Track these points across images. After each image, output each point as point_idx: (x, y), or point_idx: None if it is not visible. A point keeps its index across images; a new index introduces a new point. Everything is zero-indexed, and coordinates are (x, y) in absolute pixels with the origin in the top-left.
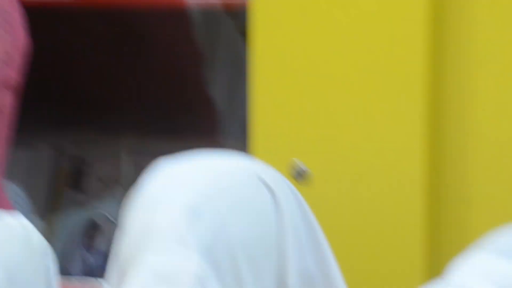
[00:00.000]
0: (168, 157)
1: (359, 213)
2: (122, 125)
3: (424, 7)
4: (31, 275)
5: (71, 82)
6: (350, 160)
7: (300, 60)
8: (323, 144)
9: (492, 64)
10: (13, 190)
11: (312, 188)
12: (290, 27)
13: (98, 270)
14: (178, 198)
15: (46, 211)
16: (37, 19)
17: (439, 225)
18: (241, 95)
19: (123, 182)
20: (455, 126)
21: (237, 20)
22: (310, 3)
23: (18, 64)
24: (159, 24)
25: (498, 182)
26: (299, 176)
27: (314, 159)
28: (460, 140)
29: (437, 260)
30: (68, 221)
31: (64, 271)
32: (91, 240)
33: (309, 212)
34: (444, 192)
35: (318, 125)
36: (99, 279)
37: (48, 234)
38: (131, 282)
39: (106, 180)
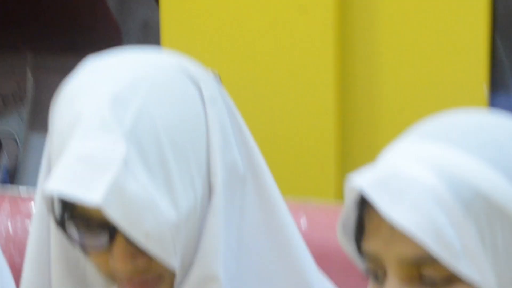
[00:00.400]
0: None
1: (276, 121)
2: (23, 42)
3: None
4: None
5: None
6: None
7: None
8: (238, 53)
9: None
10: None
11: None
12: None
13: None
14: (103, 88)
15: None
16: None
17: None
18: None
19: (26, 99)
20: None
21: None
22: None
23: None
24: None
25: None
26: None
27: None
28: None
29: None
30: None
31: None
32: None
33: (235, 109)
34: (354, 98)
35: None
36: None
37: None
38: (55, 170)
39: (9, 97)
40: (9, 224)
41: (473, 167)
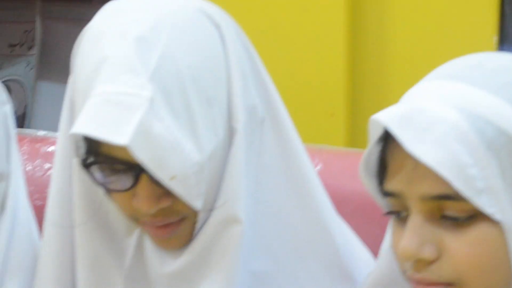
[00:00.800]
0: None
1: (287, 72)
2: None
3: None
4: None
5: None
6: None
7: None
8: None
9: None
10: None
11: None
12: None
13: None
14: (126, 30)
15: None
16: None
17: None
18: None
19: (35, 47)
20: None
21: None
22: None
23: None
24: None
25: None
26: None
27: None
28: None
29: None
30: None
31: None
32: None
33: (254, 52)
34: (364, 48)
35: None
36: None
37: None
38: (82, 112)
39: (17, 45)
40: (28, 165)
41: (496, 106)
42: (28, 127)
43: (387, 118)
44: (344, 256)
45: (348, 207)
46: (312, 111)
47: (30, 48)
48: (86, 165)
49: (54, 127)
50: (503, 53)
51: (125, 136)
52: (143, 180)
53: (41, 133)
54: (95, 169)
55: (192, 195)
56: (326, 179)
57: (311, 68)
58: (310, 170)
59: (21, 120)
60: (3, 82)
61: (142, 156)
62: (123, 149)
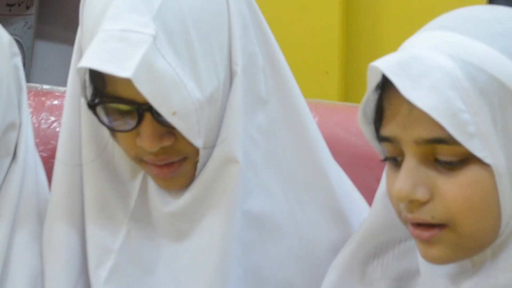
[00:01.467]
0: None
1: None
2: None
3: None
4: (4, 72)
5: None
6: None
7: None
8: None
9: None
10: None
11: None
12: None
13: None
14: None
15: None
16: None
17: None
18: None
19: (33, 7)
20: None
21: None
22: None
23: None
24: None
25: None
26: None
27: None
28: None
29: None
30: None
31: None
32: None
33: (255, 4)
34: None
35: None
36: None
37: None
38: (89, 48)
39: (15, 5)
40: (34, 118)
41: (488, 55)
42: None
43: (384, 65)
44: (340, 200)
45: (342, 158)
46: (308, 69)
47: (28, 7)
48: (92, 106)
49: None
50: (495, 6)
51: (129, 69)
52: (147, 119)
53: (46, 86)
54: (101, 110)
55: (193, 132)
56: (322, 131)
57: (307, 28)
58: (309, 117)
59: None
60: None
61: (145, 90)
62: (127, 89)
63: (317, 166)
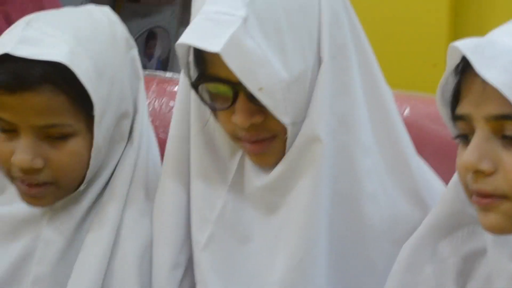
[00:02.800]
0: None
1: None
2: None
3: None
4: (118, 66)
5: None
6: None
7: None
8: None
9: None
10: (78, 1)
11: None
12: None
13: None
14: None
15: None
16: None
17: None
18: None
19: None
20: None
21: None
22: None
23: None
24: None
25: None
26: None
27: None
28: None
29: None
30: (129, 31)
31: None
32: (149, 48)
33: (348, 4)
34: None
35: None
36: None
37: None
38: (187, 27)
39: None
40: (156, 103)
41: None
42: (171, 70)
43: (464, 45)
44: (419, 185)
45: (430, 147)
46: (416, 62)
47: None
48: (195, 85)
49: None
50: None
51: (219, 45)
52: (241, 98)
53: (168, 74)
54: (203, 90)
55: (279, 109)
56: (412, 122)
57: (415, 21)
58: (393, 109)
59: (165, 63)
60: (152, 29)
61: (233, 64)
62: (224, 70)
63: (398, 154)
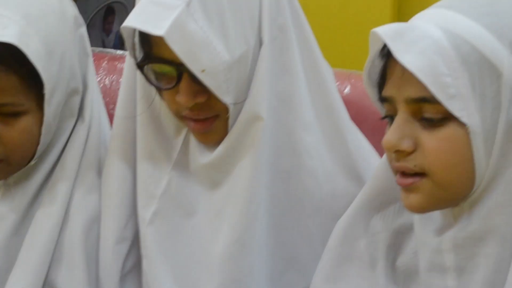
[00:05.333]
0: None
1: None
2: None
3: None
4: (67, 44)
5: None
6: None
7: None
8: None
9: None
10: None
11: None
12: None
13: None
14: None
15: None
16: None
17: None
18: None
19: None
20: None
21: None
22: None
23: None
24: None
25: None
26: None
27: None
28: None
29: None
30: (87, 6)
31: None
32: (108, 24)
33: None
34: None
35: None
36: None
37: None
38: (132, 11)
39: None
40: (106, 80)
41: (474, 30)
42: None
43: (383, 31)
44: (357, 160)
45: (369, 124)
46: (358, 41)
47: None
48: (140, 66)
49: None
50: None
51: (162, 29)
52: (184, 78)
53: (119, 52)
54: (148, 70)
55: (221, 89)
56: (352, 99)
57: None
58: (332, 87)
59: (122, 38)
60: (109, 4)
61: (176, 47)
62: (168, 51)
63: (337, 131)
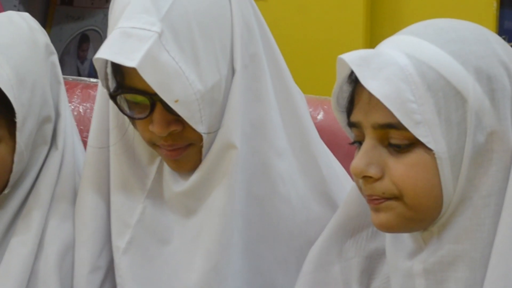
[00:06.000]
0: None
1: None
2: None
3: None
4: (38, 72)
5: None
6: None
7: None
8: None
9: None
10: (11, 4)
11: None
12: None
13: (89, 76)
14: None
15: (42, 25)
16: None
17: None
18: None
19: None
20: None
21: None
22: None
23: None
24: None
25: None
26: None
27: None
28: None
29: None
30: (62, 34)
31: None
32: (82, 51)
33: (258, 10)
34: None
35: None
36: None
37: None
38: (104, 42)
39: None
40: (80, 108)
41: (439, 56)
42: None
43: (349, 57)
44: (331, 186)
45: (342, 150)
46: (330, 67)
47: (107, 1)
48: (113, 96)
49: None
50: (458, 20)
51: (135, 60)
52: (158, 108)
53: (93, 80)
54: (121, 100)
55: (195, 118)
56: (325, 125)
57: (332, 27)
58: (306, 114)
59: None
60: (84, 31)
61: (149, 78)
62: (141, 81)
63: (310, 157)
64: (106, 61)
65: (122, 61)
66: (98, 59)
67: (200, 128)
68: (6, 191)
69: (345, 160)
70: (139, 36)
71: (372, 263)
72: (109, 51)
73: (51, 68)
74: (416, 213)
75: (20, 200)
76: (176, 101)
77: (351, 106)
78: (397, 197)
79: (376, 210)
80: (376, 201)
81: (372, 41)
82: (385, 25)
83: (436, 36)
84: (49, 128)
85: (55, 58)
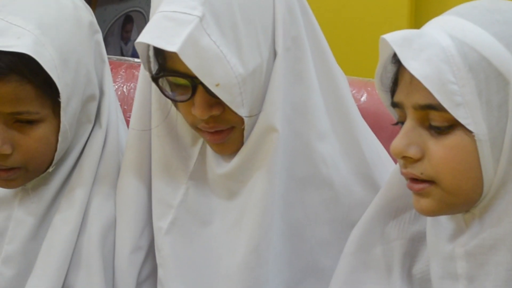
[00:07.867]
0: None
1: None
2: None
3: None
4: (82, 51)
5: None
6: None
7: None
8: None
9: None
10: None
11: None
12: None
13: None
14: None
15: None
16: None
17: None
18: None
19: None
20: None
21: None
22: None
23: None
24: None
25: None
26: None
27: None
28: None
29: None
30: (106, 15)
31: None
32: (126, 32)
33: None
34: None
35: None
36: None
37: None
38: (146, 26)
39: None
40: (124, 88)
41: (482, 38)
42: None
43: (392, 38)
44: (373, 168)
45: (386, 132)
46: (374, 49)
47: None
48: (155, 79)
49: None
50: (507, 2)
51: (176, 44)
52: (199, 91)
53: (137, 60)
54: (163, 83)
55: (236, 102)
56: (369, 107)
57: (375, 8)
58: (348, 96)
59: None
60: (128, 12)
61: (190, 63)
62: (183, 64)
63: (353, 139)
64: (148, 44)
65: (163, 45)
66: (140, 43)
67: (242, 111)
68: (50, 169)
69: (389, 142)
70: (180, 20)
71: (414, 246)
72: (150, 35)
73: (95, 47)
74: (455, 197)
75: (64, 178)
76: (217, 85)
77: (395, 86)
78: (435, 182)
79: (417, 195)
80: (417, 185)
81: (416, 22)
82: (430, 6)
83: (481, 17)
84: (93, 106)
85: (99, 36)
